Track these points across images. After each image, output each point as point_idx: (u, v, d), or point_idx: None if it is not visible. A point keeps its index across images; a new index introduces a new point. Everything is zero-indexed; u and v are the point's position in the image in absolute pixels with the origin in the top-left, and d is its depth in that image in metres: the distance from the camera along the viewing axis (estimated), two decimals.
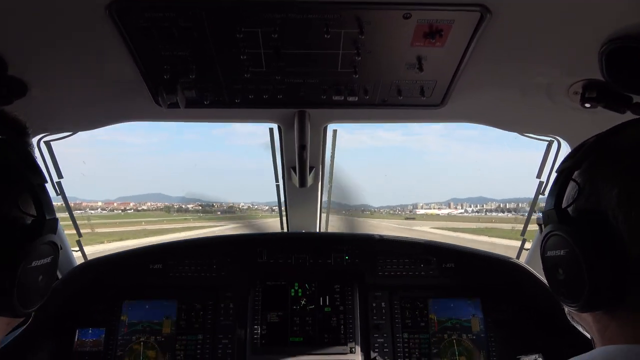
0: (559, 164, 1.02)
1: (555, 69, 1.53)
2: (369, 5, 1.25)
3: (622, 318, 0.86)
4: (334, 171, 2.94)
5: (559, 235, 0.92)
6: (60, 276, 2.47)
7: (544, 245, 0.99)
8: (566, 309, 1.04)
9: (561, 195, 0.96)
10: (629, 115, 1.45)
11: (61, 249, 1.32)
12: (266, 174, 2.97)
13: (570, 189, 0.96)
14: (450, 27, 1.35)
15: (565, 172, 0.96)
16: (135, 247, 2.66)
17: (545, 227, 0.99)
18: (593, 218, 0.87)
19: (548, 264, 0.99)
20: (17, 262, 0.91)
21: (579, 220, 0.91)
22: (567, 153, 1.01)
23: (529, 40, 1.38)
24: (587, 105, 1.53)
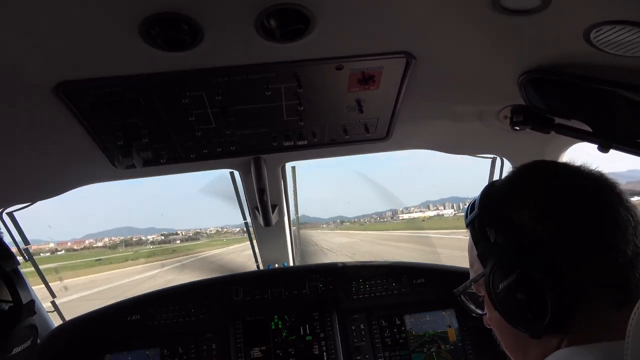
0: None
1: (483, 98, 1.67)
2: (303, 63, 1.35)
3: (574, 333, 0.92)
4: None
5: (505, 263, 0.99)
6: (38, 340, 2.46)
7: (492, 282, 1.01)
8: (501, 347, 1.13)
9: (485, 236, 1.06)
10: (553, 135, 1.58)
11: (36, 313, 1.33)
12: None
13: (488, 232, 1.06)
14: (380, 72, 1.45)
15: (474, 223, 1.10)
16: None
17: (485, 266, 1.05)
18: (521, 239, 0.97)
19: (503, 297, 0.99)
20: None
21: (512, 246, 0.99)
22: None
23: (455, 76, 1.51)
24: (517, 127, 1.66)
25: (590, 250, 0.92)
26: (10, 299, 1.02)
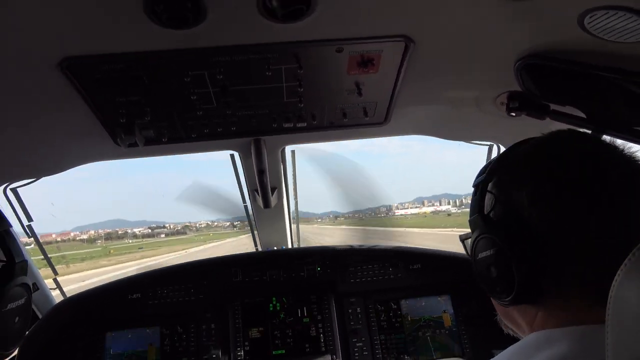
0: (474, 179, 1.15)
1: (480, 84, 1.69)
2: (303, 44, 1.38)
3: (546, 306, 0.96)
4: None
5: (487, 237, 1.04)
6: (40, 316, 2.52)
7: (475, 248, 1.08)
8: (498, 317, 1.18)
9: (482, 204, 1.09)
10: (548, 121, 1.61)
11: (38, 289, 1.37)
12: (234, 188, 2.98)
13: (488, 199, 1.08)
14: (380, 55, 1.48)
15: (480, 186, 1.10)
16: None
17: (473, 232, 1.10)
18: (511, 218, 0.99)
19: (480, 265, 1.07)
20: None
21: (500, 223, 1.03)
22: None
23: (453, 61, 1.53)
24: (513, 114, 1.68)
25: (575, 250, 0.92)
26: (5, 258, 1.06)
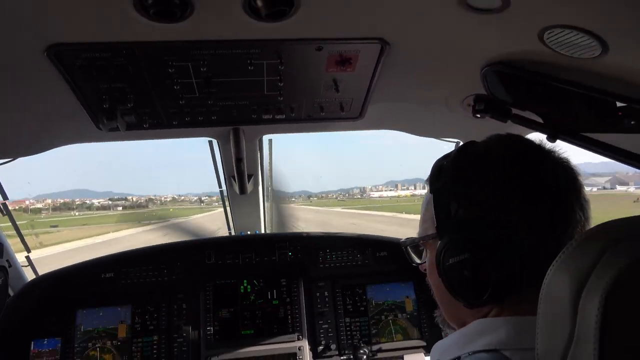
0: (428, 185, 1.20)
1: (449, 86, 1.80)
2: (285, 42, 1.44)
3: (503, 303, 1.01)
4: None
5: (456, 243, 1.03)
6: (11, 293, 2.53)
7: (443, 254, 1.05)
8: (436, 313, 1.27)
9: (447, 209, 1.08)
10: (510, 124, 1.74)
11: (10, 266, 1.39)
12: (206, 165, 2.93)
13: (451, 204, 1.07)
14: (357, 56, 1.56)
15: (439, 192, 1.12)
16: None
17: (440, 239, 1.08)
18: (478, 222, 1.02)
19: (451, 270, 1.04)
20: None
21: (469, 226, 1.03)
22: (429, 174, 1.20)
23: (425, 63, 1.63)
24: (478, 115, 1.80)
25: (541, 243, 0.97)
26: None
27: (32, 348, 2.55)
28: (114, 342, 2.64)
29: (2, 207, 2.48)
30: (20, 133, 1.91)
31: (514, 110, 1.71)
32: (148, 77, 1.57)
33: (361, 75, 1.68)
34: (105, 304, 2.69)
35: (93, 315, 2.67)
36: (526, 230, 0.98)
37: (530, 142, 1.13)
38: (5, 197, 2.46)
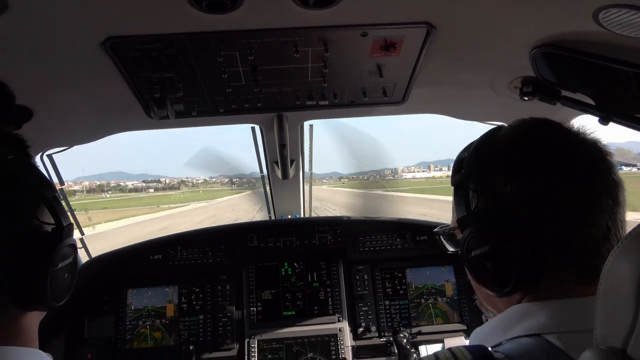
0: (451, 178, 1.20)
1: (496, 68, 1.77)
2: (331, 29, 1.45)
3: (534, 294, 1.02)
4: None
5: (479, 234, 1.04)
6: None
7: (467, 246, 1.07)
8: (477, 301, 1.27)
9: (467, 202, 1.09)
10: (559, 107, 1.70)
11: (72, 236, 1.45)
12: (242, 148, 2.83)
13: (472, 196, 1.09)
14: (402, 40, 1.56)
15: (461, 184, 1.13)
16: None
17: (462, 231, 1.10)
18: (501, 213, 1.03)
19: (474, 263, 1.06)
20: (47, 265, 1.06)
21: (491, 219, 1.04)
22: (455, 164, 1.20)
23: (471, 46, 1.60)
24: (525, 98, 1.77)
25: (565, 232, 0.97)
26: (53, 222, 1.12)
27: (86, 325, 2.70)
28: (162, 320, 2.76)
29: (60, 193, 2.62)
30: (78, 122, 2.00)
31: (564, 93, 1.67)
32: (197, 66, 1.61)
33: (405, 60, 1.67)
34: (153, 284, 2.82)
35: (142, 294, 2.81)
36: (551, 220, 0.98)
37: (555, 127, 1.11)
38: (62, 183, 2.59)
